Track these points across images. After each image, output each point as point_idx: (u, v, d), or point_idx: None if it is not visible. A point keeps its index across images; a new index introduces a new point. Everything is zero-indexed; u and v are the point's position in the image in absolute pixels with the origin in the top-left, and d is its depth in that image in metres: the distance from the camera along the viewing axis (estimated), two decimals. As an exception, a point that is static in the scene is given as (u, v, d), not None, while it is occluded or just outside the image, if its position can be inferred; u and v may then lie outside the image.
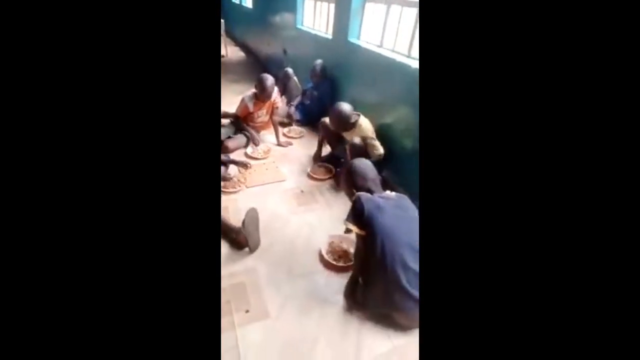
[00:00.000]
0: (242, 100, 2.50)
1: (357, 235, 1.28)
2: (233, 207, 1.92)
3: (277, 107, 2.66)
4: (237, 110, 2.56)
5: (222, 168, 2.15)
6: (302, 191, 2.11)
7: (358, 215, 1.24)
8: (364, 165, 1.45)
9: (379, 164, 1.34)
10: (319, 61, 2.86)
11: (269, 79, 2.44)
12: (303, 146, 2.71)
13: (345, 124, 2.06)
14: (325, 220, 1.87)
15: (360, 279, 1.33)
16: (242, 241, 1.58)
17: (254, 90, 2.51)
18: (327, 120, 2.31)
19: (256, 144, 2.56)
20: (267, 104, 2.58)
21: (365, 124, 2.06)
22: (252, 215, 1.62)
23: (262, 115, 2.64)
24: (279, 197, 2.05)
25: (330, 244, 1.65)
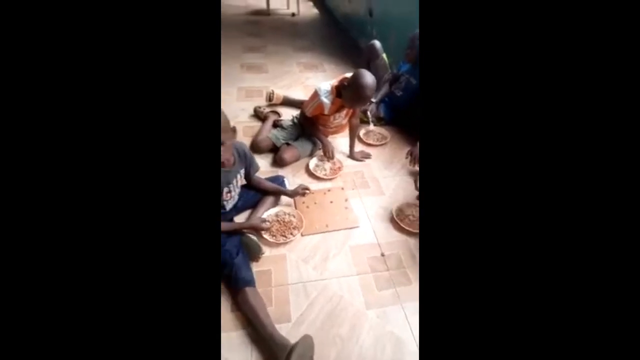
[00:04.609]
0: (316, 95, 1.66)
1: None
2: (280, 272, 1.27)
3: None
4: (306, 107, 1.75)
5: (261, 208, 1.45)
6: (382, 254, 1.37)
7: None
8: None
9: None
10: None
11: (370, 84, 1.50)
12: (384, 159, 1.90)
13: None
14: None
15: None
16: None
17: (333, 82, 1.65)
18: None
19: (330, 157, 1.78)
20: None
21: None
22: (305, 353, 0.96)
23: (340, 118, 1.82)
24: (346, 262, 1.33)
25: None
